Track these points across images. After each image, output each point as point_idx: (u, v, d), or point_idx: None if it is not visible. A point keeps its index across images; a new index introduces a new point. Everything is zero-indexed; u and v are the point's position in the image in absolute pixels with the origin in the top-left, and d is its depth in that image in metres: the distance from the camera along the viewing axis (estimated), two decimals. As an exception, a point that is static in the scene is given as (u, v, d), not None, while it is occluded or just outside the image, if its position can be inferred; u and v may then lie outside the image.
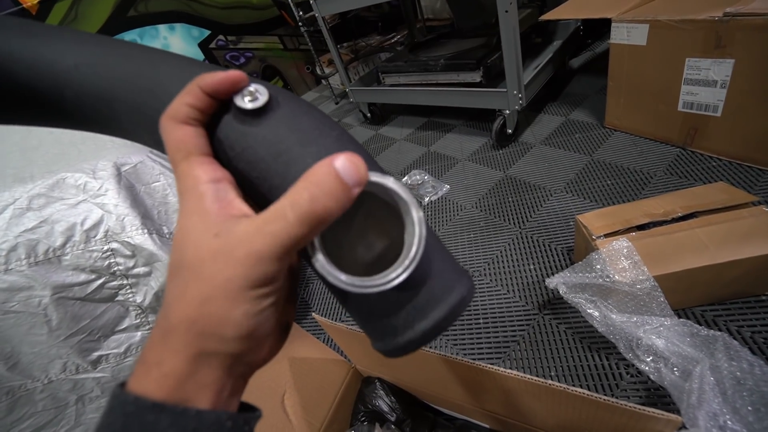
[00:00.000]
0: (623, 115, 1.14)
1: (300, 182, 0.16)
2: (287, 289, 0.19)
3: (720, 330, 0.63)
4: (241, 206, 0.17)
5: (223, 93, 0.18)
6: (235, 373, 0.17)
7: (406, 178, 1.35)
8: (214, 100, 0.18)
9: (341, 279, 0.17)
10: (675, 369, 0.53)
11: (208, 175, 0.17)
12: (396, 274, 0.17)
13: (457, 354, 0.79)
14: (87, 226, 0.64)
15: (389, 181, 0.18)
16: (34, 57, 0.20)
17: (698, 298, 0.69)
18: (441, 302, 0.19)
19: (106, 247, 0.65)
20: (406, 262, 0.17)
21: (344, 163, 0.16)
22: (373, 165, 0.20)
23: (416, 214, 0.18)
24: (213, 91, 0.18)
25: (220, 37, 2.28)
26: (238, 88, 0.19)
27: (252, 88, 0.19)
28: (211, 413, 0.16)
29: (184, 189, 0.17)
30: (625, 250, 0.65)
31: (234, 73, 0.18)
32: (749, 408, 0.42)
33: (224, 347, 0.16)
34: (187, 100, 0.18)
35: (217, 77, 0.18)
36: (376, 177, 0.17)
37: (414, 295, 0.19)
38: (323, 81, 2.34)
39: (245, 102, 0.19)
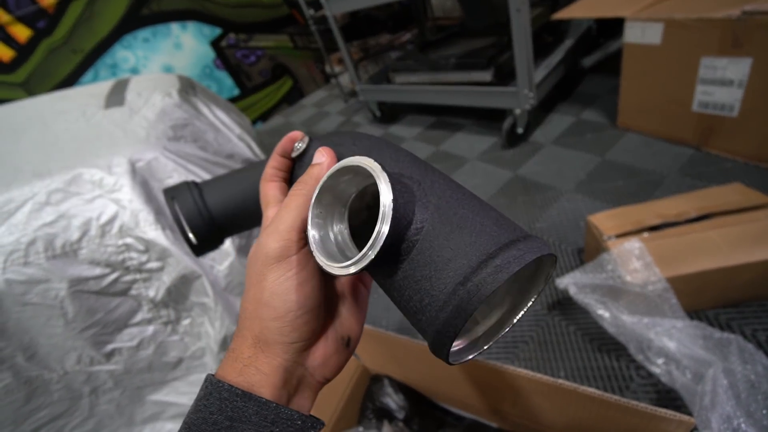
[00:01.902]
0: (636, 115, 1.13)
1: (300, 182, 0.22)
2: (319, 288, 0.21)
3: (734, 333, 0.62)
4: None
5: (287, 149, 0.25)
6: (294, 375, 0.20)
7: (415, 176, 1.35)
8: (288, 159, 0.25)
9: (322, 260, 0.18)
10: (687, 371, 0.53)
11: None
12: (359, 257, 0.17)
13: (465, 353, 0.79)
14: (102, 221, 0.65)
15: (352, 160, 0.18)
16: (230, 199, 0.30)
17: (711, 301, 0.68)
18: (452, 288, 0.16)
19: (120, 242, 0.66)
20: (369, 242, 0.16)
21: (316, 155, 0.22)
22: (376, 155, 0.22)
23: (381, 184, 0.17)
24: (282, 150, 0.25)
25: (231, 35, 2.30)
26: (294, 142, 0.25)
27: (301, 139, 0.25)
28: (287, 410, 0.19)
29: (261, 226, 0.23)
30: (637, 251, 0.64)
31: (291, 133, 0.25)
32: (764, 411, 0.42)
33: (268, 332, 0.19)
34: (270, 163, 0.25)
35: (282, 140, 0.25)
36: (343, 163, 0.19)
37: (425, 284, 0.17)
38: (333, 79, 2.35)
39: (295, 151, 0.25)
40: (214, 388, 0.18)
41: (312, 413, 0.21)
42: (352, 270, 0.17)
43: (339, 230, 0.21)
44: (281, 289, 0.19)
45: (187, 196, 0.29)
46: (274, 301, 0.19)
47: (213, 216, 0.29)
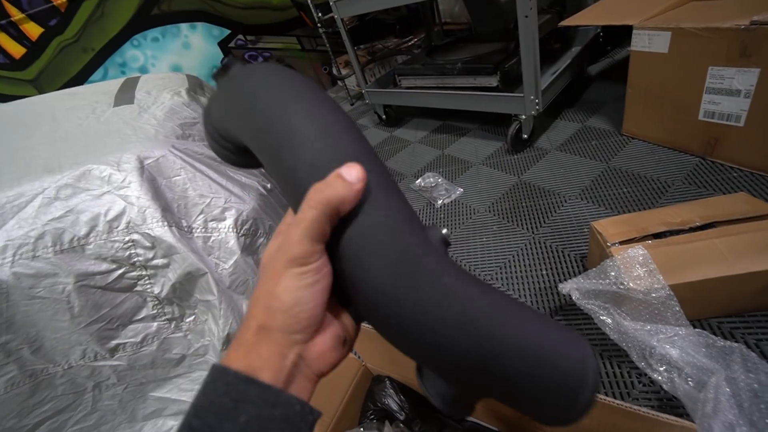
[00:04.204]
0: (642, 123, 1.13)
1: (316, 185, 0.21)
2: (327, 290, 0.22)
3: (737, 342, 0.62)
4: None
5: None
6: (292, 362, 0.21)
7: (419, 180, 1.35)
8: None
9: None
10: (689, 379, 0.52)
11: (287, 222, 0.25)
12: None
13: (466, 357, 0.79)
14: (110, 216, 0.66)
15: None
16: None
17: (715, 310, 0.68)
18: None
19: (127, 238, 0.67)
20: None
21: (348, 169, 0.21)
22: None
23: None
24: None
25: (240, 36, 2.32)
26: None
27: None
28: (287, 395, 0.20)
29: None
30: (641, 258, 0.64)
31: None
32: (767, 421, 0.42)
33: (273, 321, 0.21)
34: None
35: None
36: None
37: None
38: (339, 82, 2.36)
39: None
40: (220, 374, 0.20)
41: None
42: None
43: None
44: (294, 287, 0.21)
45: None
46: (284, 295, 0.21)
47: (227, 137, 0.29)
